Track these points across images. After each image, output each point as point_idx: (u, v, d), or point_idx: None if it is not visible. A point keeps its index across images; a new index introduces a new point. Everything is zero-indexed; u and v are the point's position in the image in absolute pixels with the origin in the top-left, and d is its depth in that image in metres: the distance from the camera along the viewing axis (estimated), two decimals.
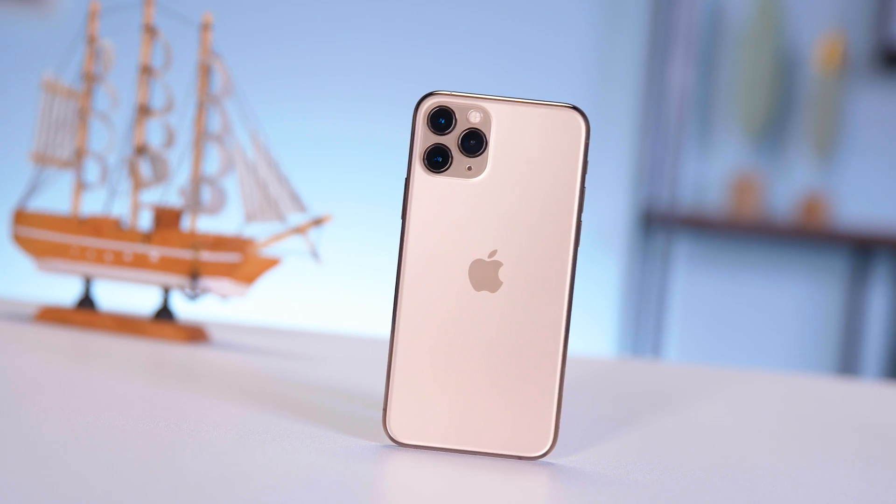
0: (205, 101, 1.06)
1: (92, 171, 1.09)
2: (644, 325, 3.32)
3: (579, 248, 0.75)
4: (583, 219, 0.72)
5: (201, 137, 1.06)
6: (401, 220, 0.71)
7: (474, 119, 0.71)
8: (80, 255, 1.06)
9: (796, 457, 0.83)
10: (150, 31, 1.07)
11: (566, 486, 0.68)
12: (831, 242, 3.36)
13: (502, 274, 0.71)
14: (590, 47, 3.33)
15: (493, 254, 0.71)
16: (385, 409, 0.71)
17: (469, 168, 0.71)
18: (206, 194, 1.05)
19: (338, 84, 3.24)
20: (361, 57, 3.25)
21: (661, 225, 3.29)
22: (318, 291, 3.01)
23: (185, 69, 1.07)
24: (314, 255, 1.03)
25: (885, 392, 1.31)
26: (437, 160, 0.71)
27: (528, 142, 0.71)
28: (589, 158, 0.71)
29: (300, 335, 1.18)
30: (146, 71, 1.08)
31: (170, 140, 1.07)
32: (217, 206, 1.05)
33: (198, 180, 1.06)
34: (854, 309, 3.38)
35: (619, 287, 3.38)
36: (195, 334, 1.05)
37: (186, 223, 1.06)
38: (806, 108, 3.33)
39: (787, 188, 3.37)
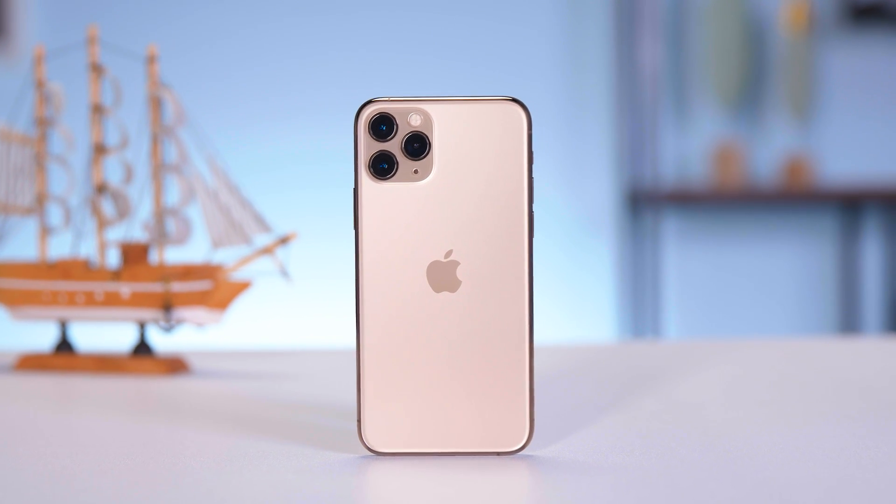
0: (158, 132, 1.06)
1: (55, 215, 1.09)
2: (642, 306, 3.32)
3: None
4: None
5: (159, 169, 1.06)
6: (354, 231, 0.71)
7: (415, 122, 0.71)
8: (53, 299, 1.06)
9: (779, 424, 0.83)
10: (97, 69, 1.07)
11: (545, 477, 0.69)
12: (819, 202, 3.36)
13: (460, 273, 0.71)
14: (558, 36, 3.33)
15: (449, 254, 0.71)
16: (359, 421, 0.71)
17: (415, 171, 0.71)
18: (171, 225, 1.05)
19: (297, 99, 3.23)
20: (326, 69, 3.25)
21: (647, 204, 3.29)
22: (293, 309, 3.00)
23: (136, 103, 1.07)
24: (284, 273, 1.03)
25: (884, 347, 1.31)
26: (382, 167, 0.71)
27: (472, 139, 0.71)
28: (534, 148, 0.71)
29: (279, 355, 1.18)
30: (97, 109, 1.08)
31: (129, 176, 1.07)
32: (183, 236, 1.05)
33: (161, 212, 1.06)
34: (849, 266, 3.38)
35: (612, 270, 3.38)
36: (175, 366, 1.05)
37: (154, 256, 1.06)
38: (778, 71, 3.33)
39: (769, 153, 3.37)
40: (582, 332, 3.28)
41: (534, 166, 0.71)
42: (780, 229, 3.40)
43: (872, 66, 3.35)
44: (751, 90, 3.35)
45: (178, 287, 1.04)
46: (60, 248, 1.10)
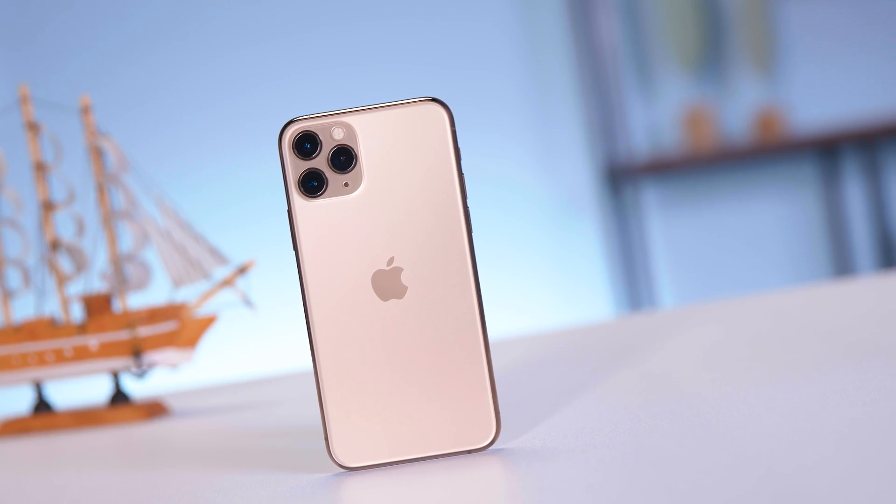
0: (103, 181, 1.06)
1: (14, 278, 1.09)
2: (634, 280, 3.32)
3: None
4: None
5: (109, 217, 1.06)
6: (293, 252, 0.71)
7: (338, 136, 0.71)
8: (23, 362, 1.06)
9: (749, 382, 0.83)
10: (34, 127, 1.07)
11: (517, 468, 0.68)
12: (795, 151, 3.36)
13: (405, 278, 0.71)
14: (513, 22, 3.33)
15: (391, 261, 0.71)
16: (326, 439, 0.71)
17: (346, 184, 0.71)
18: (129, 271, 1.05)
19: (228, 137, 3.24)
20: (290, 93, 3.25)
21: (625, 178, 3.29)
22: (263, 336, 2.98)
23: (77, 155, 1.07)
24: (247, 302, 1.03)
25: (871, 287, 1.30)
26: (312, 185, 0.71)
27: (396, 144, 0.71)
28: (460, 145, 0.71)
29: (256, 384, 1.18)
30: (40, 167, 1.08)
31: (80, 228, 1.07)
32: (143, 280, 1.05)
33: (117, 260, 1.06)
34: (833, 210, 3.38)
35: (600, 248, 3.38)
36: (154, 410, 1.05)
37: (117, 304, 1.06)
38: (737, 27, 3.33)
39: (739, 110, 3.37)
40: (579, 314, 3.28)
41: (462, 161, 0.71)
42: (760, 184, 3.40)
43: (830, 9, 3.35)
44: (712, 50, 3.35)
45: (144, 331, 1.04)
46: (24, 309, 1.10)
